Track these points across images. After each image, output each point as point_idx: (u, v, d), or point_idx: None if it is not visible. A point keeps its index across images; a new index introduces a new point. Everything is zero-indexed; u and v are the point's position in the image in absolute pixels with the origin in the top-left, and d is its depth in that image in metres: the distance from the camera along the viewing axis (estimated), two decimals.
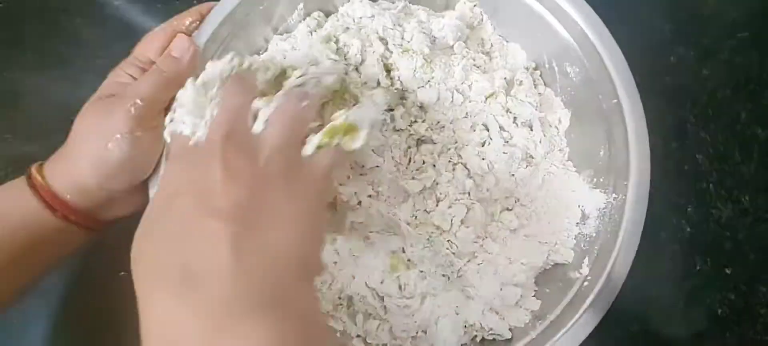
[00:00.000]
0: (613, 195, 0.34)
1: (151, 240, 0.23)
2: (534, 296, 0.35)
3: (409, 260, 0.35)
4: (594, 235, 0.35)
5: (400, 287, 0.34)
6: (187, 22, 0.34)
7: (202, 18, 0.35)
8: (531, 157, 0.37)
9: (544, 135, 0.37)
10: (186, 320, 0.19)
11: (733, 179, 0.44)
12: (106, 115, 0.30)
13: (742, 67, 0.46)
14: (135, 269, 0.22)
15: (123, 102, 0.30)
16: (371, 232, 0.35)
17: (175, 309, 0.20)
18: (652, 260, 0.42)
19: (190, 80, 0.26)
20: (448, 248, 0.35)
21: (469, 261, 0.35)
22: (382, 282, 0.34)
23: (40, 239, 0.31)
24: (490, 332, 0.34)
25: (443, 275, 0.35)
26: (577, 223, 0.36)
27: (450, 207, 0.34)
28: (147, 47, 0.34)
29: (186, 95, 0.26)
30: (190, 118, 0.25)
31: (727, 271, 0.43)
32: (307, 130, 0.26)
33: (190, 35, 0.34)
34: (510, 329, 0.34)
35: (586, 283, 0.33)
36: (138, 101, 0.30)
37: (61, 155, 0.32)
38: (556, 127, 0.39)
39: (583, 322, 0.31)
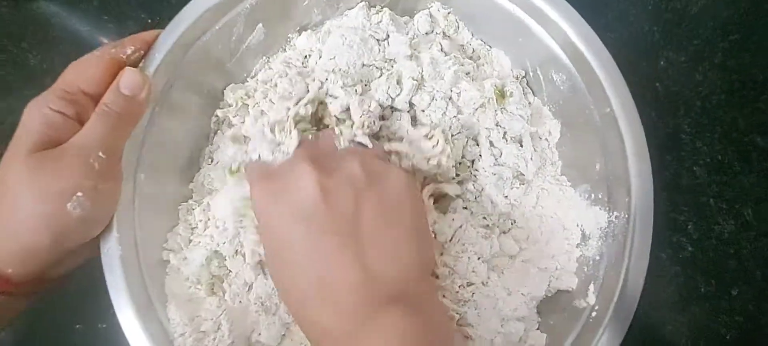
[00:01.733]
0: (615, 213, 0.31)
1: (284, 267, 0.26)
2: (538, 329, 0.32)
3: None
4: (597, 257, 0.31)
5: None
6: (129, 51, 0.30)
7: (147, 46, 0.31)
8: (522, 175, 0.34)
9: (535, 149, 0.34)
10: (337, 319, 0.23)
11: (734, 190, 0.41)
12: (54, 173, 0.26)
13: (735, 70, 0.43)
14: (285, 288, 0.26)
15: (77, 155, 0.26)
16: None
17: (328, 314, 0.24)
18: (653, 285, 0.39)
19: (252, 120, 0.30)
20: (442, 296, 0.31)
21: (465, 302, 0.32)
22: None
23: None
24: None
25: None
26: (578, 244, 0.33)
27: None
28: (77, 77, 0.28)
29: (255, 133, 0.29)
30: (262, 148, 0.28)
31: (733, 292, 0.39)
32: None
33: (135, 67, 0.30)
34: None
35: (594, 313, 0.30)
36: (100, 154, 0.27)
37: None
38: (547, 139, 0.36)
39: None
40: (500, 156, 0.34)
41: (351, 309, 0.23)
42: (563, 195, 0.34)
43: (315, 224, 0.24)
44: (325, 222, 0.24)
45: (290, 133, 0.29)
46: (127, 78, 0.28)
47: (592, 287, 0.30)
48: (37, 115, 0.27)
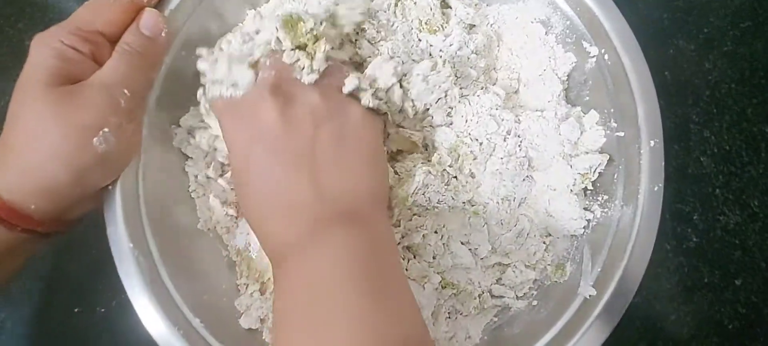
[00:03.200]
0: (620, 203, 0.30)
1: (245, 186, 0.27)
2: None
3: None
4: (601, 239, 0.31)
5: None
6: None
7: None
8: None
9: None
10: (290, 232, 0.25)
11: (741, 181, 0.40)
12: (80, 107, 0.26)
13: (746, 58, 0.43)
14: (246, 205, 0.27)
15: (103, 90, 0.26)
16: None
17: (282, 228, 0.25)
18: (657, 274, 0.39)
19: (222, 52, 0.27)
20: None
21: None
22: None
23: None
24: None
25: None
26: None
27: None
28: (94, 16, 0.28)
29: (221, 67, 0.27)
30: (224, 85, 0.27)
31: (737, 282, 0.39)
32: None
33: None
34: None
35: (590, 294, 0.29)
36: (126, 92, 0.27)
37: (10, 162, 0.26)
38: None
39: (592, 335, 0.28)
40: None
41: (303, 225, 0.24)
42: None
43: (274, 145, 0.25)
44: (283, 144, 0.25)
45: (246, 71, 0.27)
46: (147, 18, 0.29)
47: (590, 271, 0.30)
48: (48, 48, 0.26)
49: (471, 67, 0.32)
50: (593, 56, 0.32)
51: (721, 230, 0.40)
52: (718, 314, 0.39)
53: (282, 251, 0.25)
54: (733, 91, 0.42)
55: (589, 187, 0.32)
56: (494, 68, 0.34)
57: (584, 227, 0.31)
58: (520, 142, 0.32)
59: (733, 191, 0.40)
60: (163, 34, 0.29)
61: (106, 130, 0.26)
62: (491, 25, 0.35)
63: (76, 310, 0.39)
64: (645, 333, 0.38)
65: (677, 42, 0.43)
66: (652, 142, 0.29)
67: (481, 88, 0.32)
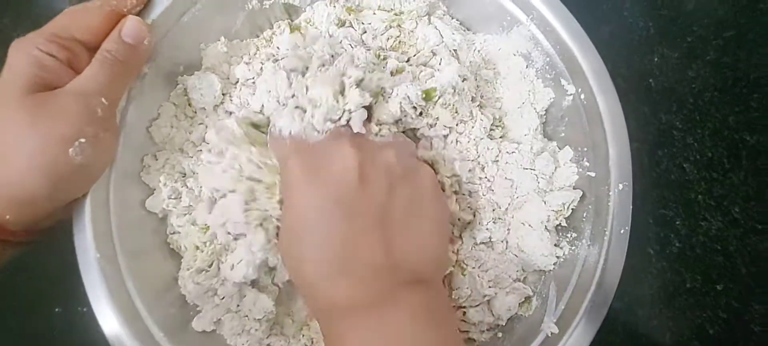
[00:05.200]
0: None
1: (308, 241, 0.25)
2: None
3: None
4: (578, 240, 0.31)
5: None
6: (129, 5, 0.29)
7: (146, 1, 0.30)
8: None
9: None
10: (356, 293, 0.25)
11: (723, 187, 0.41)
12: (56, 116, 0.25)
13: (729, 67, 0.43)
14: (299, 257, 0.26)
15: (79, 99, 0.25)
16: None
17: (338, 287, 0.25)
18: (640, 279, 0.39)
19: (270, 66, 0.28)
20: None
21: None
22: None
23: None
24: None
25: None
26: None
27: None
28: (72, 23, 0.27)
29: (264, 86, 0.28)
30: (286, 119, 0.27)
31: (719, 287, 0.40)
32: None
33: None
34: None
35: (552, 332, 0.29)
36: (103, 100, 0.26)
37: None
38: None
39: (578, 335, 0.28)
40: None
41: (371, 287, 0.24)
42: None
43: (350, 205, 0.25)
44: (359, 205, 0.25)
45: (338, 99, 0.27)
46: (130, 26, 0.28)
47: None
48: (25, 55, 0.26)
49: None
50: (570, 94, 0.32)
51: (703, 235, 0.40)
52: (700, 318, 0.39)
53: (342, 309, 0.25)
54: (715, 100, 0.43)
55: (563, 223, 0.32)
56: (482, 95, 0.34)
57: (554, 264, 0.31)
58: (502, 174, 0.32)
59: (715, 198, 0.41)
60: (145, 43, 0.28)
61: (82, 140, 0.25)
62: (478, 51, 0.36)
63: (56, 310, 0.39)
64: (627, 338, 0.38)
65: (662, 50, 0.44)
66: (621, 186, 0.29)
67: (469, 114, 0.32)
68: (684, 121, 0.42)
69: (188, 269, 0.30)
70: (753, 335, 0.39)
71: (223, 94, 0.32)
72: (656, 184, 0.41)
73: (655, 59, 0.44)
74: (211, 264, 0.29)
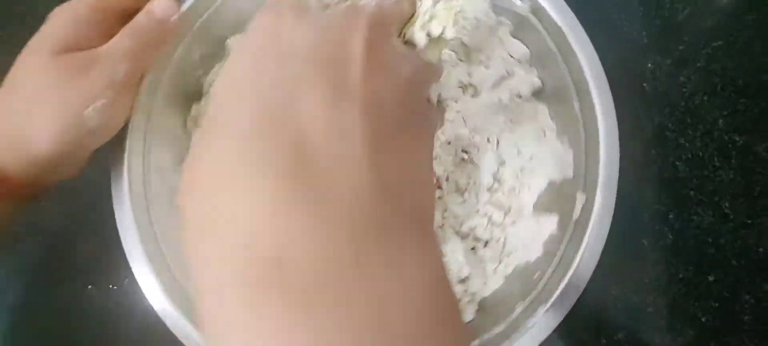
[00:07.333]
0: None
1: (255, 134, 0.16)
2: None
3: None
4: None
5: None
6: None
7: None
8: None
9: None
10: (328, 246, 0.14)
11: (713, 184, 0.44)
12: (79, 76, 0.26)
13: (717, 73, 0.47)
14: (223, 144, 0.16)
15: (105, 62, 0.27)
16: None
17: (309, 230, 0.14)
18: (635, 269, 0.42)
19: None
20: None
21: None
22: None
23: None
24: None
25: None
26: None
27: None
28: None
29: None
30: None
31: (710, 278, 0.42)
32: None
33: None
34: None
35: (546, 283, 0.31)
36: (125, 66, 0.28)
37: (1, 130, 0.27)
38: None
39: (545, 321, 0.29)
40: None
41: (359, 227, 0.14)
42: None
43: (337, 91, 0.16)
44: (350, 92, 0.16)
45: None
46: (161, 1, 0.30)
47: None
48: (66, 18, 0.28)
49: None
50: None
51: (694, 228, 0.43)
52: (693, 307, 0.42)
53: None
54: (705, 103, 0.46)
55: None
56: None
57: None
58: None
59: (706, 194, 0.44)
60: (173, 19, 0.30)
61: (103, 101, 0.27)
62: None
63: (88, 287, 0.41)
64: (624, 323, 0.41)
65: (655, 57, 0.47)
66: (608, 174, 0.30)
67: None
68: (676, 123, 0.45)
69: None
70: (743, 323, 0.42)
71: None
72: (650, 181, 0.44)
73: (649, 65, 0.47)
74: None
